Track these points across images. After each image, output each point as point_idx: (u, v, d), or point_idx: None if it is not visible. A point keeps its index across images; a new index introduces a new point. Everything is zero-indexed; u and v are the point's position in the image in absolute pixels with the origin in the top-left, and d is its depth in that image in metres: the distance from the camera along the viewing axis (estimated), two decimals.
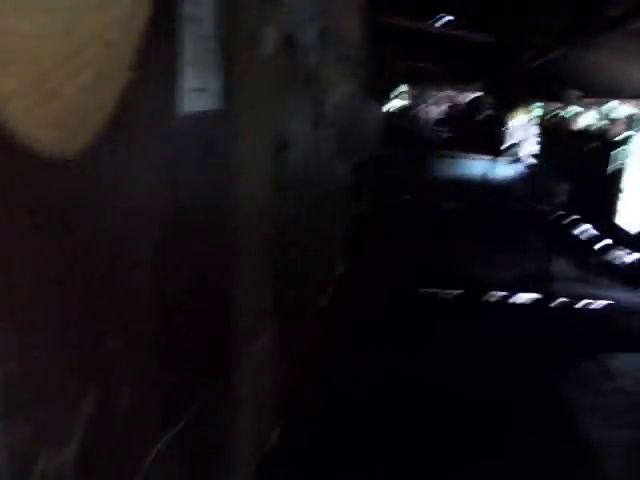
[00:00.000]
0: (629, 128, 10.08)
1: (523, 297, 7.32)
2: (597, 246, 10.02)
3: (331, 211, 6.79)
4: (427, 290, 7.34)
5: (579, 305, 7.20)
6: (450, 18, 10.34)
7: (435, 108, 37.10)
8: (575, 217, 11.67)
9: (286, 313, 4.01)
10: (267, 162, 3.28)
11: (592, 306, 7.20)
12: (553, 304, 7.18)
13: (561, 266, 8.50)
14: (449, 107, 32.56)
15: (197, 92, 2.00)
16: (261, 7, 2.90)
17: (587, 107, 12.81)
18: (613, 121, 11.27)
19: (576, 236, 10.90)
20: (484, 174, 14.61)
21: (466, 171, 17.76)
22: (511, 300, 7.28)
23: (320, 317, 5.91)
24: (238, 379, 2.83)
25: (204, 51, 2.07)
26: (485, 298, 7.27)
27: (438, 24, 10.39)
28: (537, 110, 18.31)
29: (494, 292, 7.36)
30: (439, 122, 31.38)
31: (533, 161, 17.96)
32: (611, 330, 6.59)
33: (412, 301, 7.05)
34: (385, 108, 19.85)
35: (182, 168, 1.98)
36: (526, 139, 19.77)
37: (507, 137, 21.58)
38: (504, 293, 7.36)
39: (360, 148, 10.20)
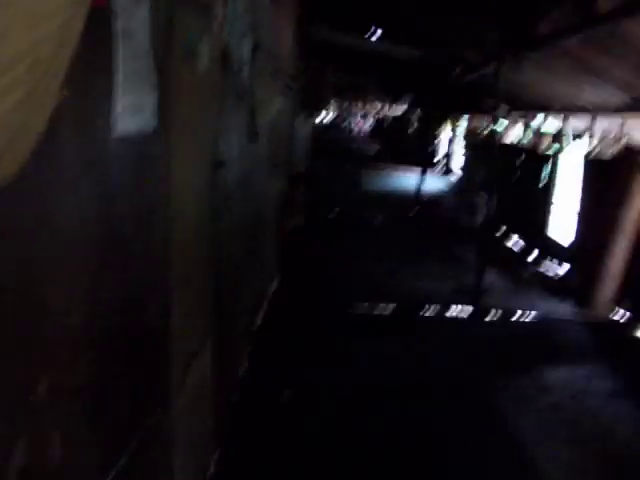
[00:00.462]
0: (557, 142, 10.32)
1: (457, 311, 7.37)
2: (528, 258, 10.22)
3: (266, 227, 6.70)
4: (360, 305, 7.29)
5: (513, 318, 7.29)
6: (380, 33, 10.42)
7: (365, 121, 37.52)
8: (505, 230, 11.90)
9: (223, 337, 3.88)
10: (203, 181, 3.16)
11: (525, 319, 7.30)
12: (486, 318, 7.25)
13: (493, 279, 8.61)
14: (378, 120, 32.94)
15: (132, 111, 1.87)
16: (196, 22, 2.78)
17: (515, 121, 13.09)
18: (541, 135, 11.54)
19: (507, 249, 11.10)
20: (415, 187, 14.74)
21: (396, 184, 17.96)
22: (445, 314, 7.31)
23: (256, 337, 5.80)
24: (175, 413, 2.69)
25: (139, 68, 1.95)
26: (419, 313, 7.27)
27: (368, 39, 10.44)
28: (463, 123, 18.68)
29: (428, 306, 7.37)
30: (369, 135, 31.73)
31: (462, 174, 18.31)
32: (545, 343, 6.67)
33: (346, 318, 6.98)
34: (317, 122, 19.90)
35: (114, 190, 1.85)
36: (453, 152, 20.15)
37: (436, 150, 21.96)
38: (437, 307, 7.39)
39: (293, 162, 10.15)
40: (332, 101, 48.25)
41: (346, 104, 48.36)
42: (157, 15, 2.13)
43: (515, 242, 11.41)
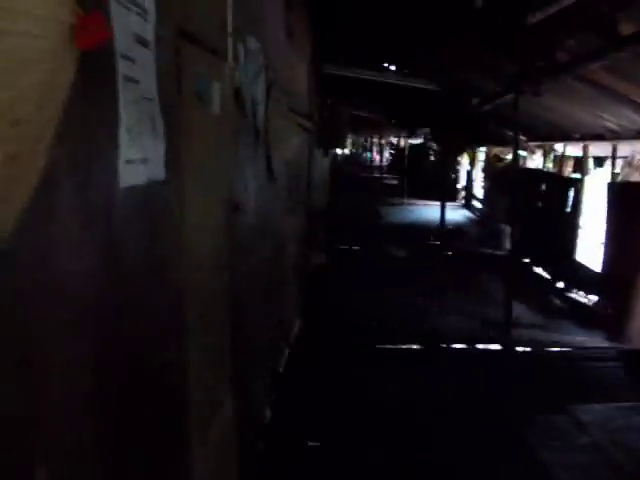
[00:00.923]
0: (578, 170, 10.18)
1: (485, 345, 7.17)
2: (556, 288, 10.00)
3: (287, 268, 6.58)
4: (387, 346, 7.11)
5: (543, 352, 7.07)
6: (395, 67, 10.39)
7: (383, 155, 37.57)
8: (526, 260, 11.68)
9: (244, 385, 3.74)
10: (220, 227, 3.05)
11: (555, 352, 7.07)
12: (516, 352, 7.04)
13: (521, 310, 8.40)
14: (396, 153, 32.95)
15: (137, 162, 1.77)
16: (206, 64, 2.70)
17: (532, 150, 12.97)
18: (558, 163, 11.41)
19: (533, 278, 10.88)
20: (436, 219, 14.58)
21: (417, 216, 17.84)
22: (474, 349, 7.11)
23: (279, 383, 5.64)
24: (196, 466, 2.54)
25: (143, 116, 1.84)
26: (447, 349, 7.08)
27: (384, 73, 10.40)
28: (482, 154, 18.59)
29: (456, 342, 7.18)
30: (387, 168, 31.71)
31: (480, 205, 18.15)
32: (578, 377, 6.43)
33: (372, 359, 6.80)
34: (335, 157, 19.91)
35: (121, 245, 1.73)
36: (472, 183, 20.02)
37: (456, 182, 21.84)
38: (466, 343, 7.19)
39: (312, 199, 10.06)
40: (350, 136, 48.60)
41: (363, 139, 48.75)
42: (163, 59, 2.04)
43: (541, 271, 11.19)
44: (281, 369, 6.10)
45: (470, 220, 18.07)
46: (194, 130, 2.42)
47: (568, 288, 9.80)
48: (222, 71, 3.11)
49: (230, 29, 3.37)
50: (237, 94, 3.55)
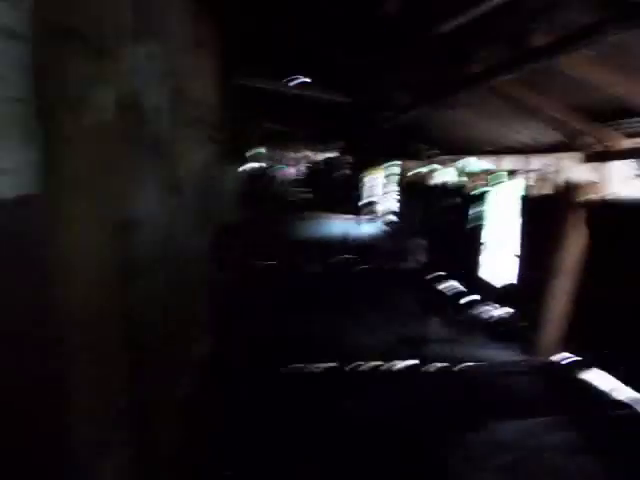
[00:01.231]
0: (489, 183, 10.26)
1: (400, 364, 7.04)
2: (464, 302, 10.03)
3: (193, 285, 6.27)
4: (296, 365, 6.87)
5: (458, 368, 7.00)
6: (305, 80, 10.23)
7: (293, 169, 37.45)
8: (439, 274, 11.72)
9: (143, 419, 3.43)
10: (106, 247, 2.75)
11: (471, 368, 7.02)
12: (432, 369, 6.94)
13: (434, 326, 8.36)
14: (307, 168, 32.85)
15: None
16: (92, 64, 2.41)
17: (444, 164, 13.07)
18: (470, 177, 11.51)
19: (445, 293, 10.90)
20: (349, 233, 14.51)
21: (329, 231, 17.75)
22: (389, 368, 6.97)
23: (183, 410, 5.32)
24: None
25: (6, 119, 1.56)
26: (358, 368, 6.91)
27: (295, 85, 10.23)
28: (395, 168, 18.69)
29: (369, 361, 7.03)
30: (298, 183, 31.60)
31: (393, 219, 18.23)
32: (494, 393, 6.37)
33: (284, 380, 6.56)
34: (244, 170, 19.64)
35: None
36: (385, 197, 20.12)
37: (366, 196, 21.92)
38: (380, 362, 7.05)
39: (223, 214, 9.77)
40: (263, 149, 48.35)
41: (277, 152, 48.57)
42: (40, 55, 1.76)
43: (452, 285, 11.23)
44: (187, 391, 5.78)
45: (385, 234, 18.09)
46: (74, 138, 2.13)
47: (481, 301, 9.85)
48: (116, 75, 2.84)
49: (127, 30, 3.11)
50: (133, 100, 3.28)
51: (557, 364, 7.21)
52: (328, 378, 6.63)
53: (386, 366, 6.99)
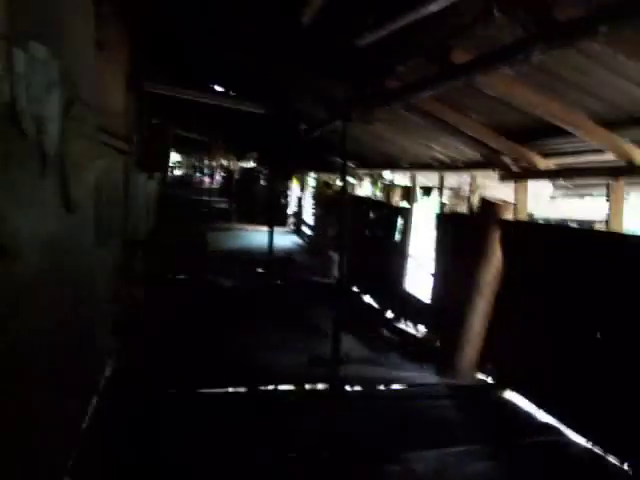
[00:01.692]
0: (406, 199, 10.15)
1: (313, 386, 6.76)
2: (381, 319, 9.86)
3: (92, 307, 5.82)
4: (206, 391, 6.49)
5: (373, 391, 6.77)
6: (222, 87, 9.90)
7: (210, 178, 36.88)
8: (356, 289, 11.54)
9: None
10: None
11: (386, 390, 6.81)
12: (346, 392, 6.68)
13: (351, 344, 8.11)
14: (227, 177, 32.38)
15: None
16: None
17: (361, 178, 12.95)
18: (387, 191, 11.40)
19: (363, 309, 10.71)
20: (265, 246, 14.14)
21: (246, 242, 17.41)
22: (301, 391, 6.68)
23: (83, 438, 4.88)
24: None
25: None
26: (271, 393, 6.60)
27: (210, 93, 9.87)
28: (312, 180, 18.53)
29: (281, 384, 6.72)
30: (218, 192, 31.11)
31: (313, 231, 18.02)
32: (411, 418, 6.13)
33: (190, 405, 6.17)
34: (162, 181, 19.08)
35: None
36: (302, 209, 19.94)
37: (286, 207, 21.68)
38: (292, 385, 6.74)
39: (132, 227, 9.28)
40: (180, 158, 47.62)
41: (194, 161, 47.87)
42: None
43: (368, 301, 11.06)
44: (86, 423, 5.33)
45: (300, 247, 17.87)
46: None
47: (397, 318, 9.69)
48: None
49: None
50: (11, 110, 2.88)
51: (475, 386, 7.08)
52: (235, 403, 6.29)
53: (297, 389, 6.69)
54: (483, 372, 7.24)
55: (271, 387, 6.67)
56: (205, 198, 27.55)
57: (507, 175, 6.76)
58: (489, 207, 6.95)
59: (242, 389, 6.56)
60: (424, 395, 6.70)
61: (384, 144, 9.14)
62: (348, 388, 6.73)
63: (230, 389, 6.54)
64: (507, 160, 6.54)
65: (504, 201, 6.90)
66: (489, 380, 7.15)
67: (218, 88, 10.08)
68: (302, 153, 13.20)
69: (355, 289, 11.58)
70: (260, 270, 13.20)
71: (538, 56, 3.45)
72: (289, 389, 6.69)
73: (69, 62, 4.22)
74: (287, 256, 15.00)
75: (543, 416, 6.17)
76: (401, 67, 5.12)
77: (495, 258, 6.91)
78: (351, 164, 12.08)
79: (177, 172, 48.95)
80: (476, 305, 7.06)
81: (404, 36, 4.22)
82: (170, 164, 41.78)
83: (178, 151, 40.59)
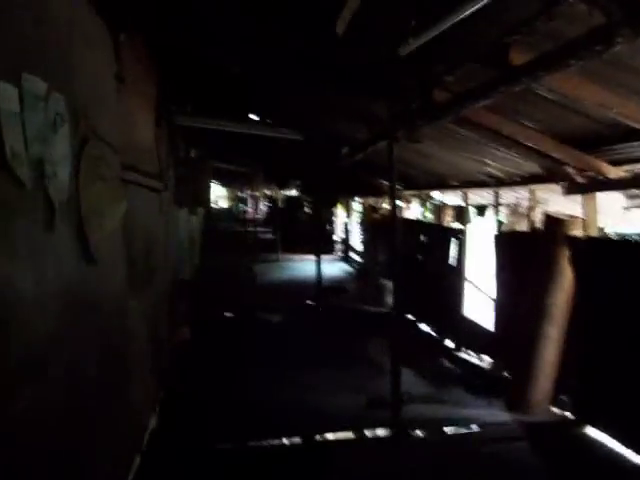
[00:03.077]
0: (458, 219, 9.53)
1: (373, 432, 6.17)
2: (440, 350, 9.21)
3: (134, 360, 5.38)
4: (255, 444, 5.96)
5: (439, 434, 6.14)
6: (258, 117, 9.47)
7: (258, 208, 36.70)
8: (411, 318, 10.92)
9: None
10: None
11: (454, 433, 6.17)
12: (409, 437, 6.08)
13: (410, 380, 7.51)
14: (269, 208, 32.15)
15: None
16: None
17: (409, 200, 12.38)
18: (437, 213, 10.81)
19: (420, 338, 10.07)
20: (313, 276, 13.61)
21: (294, 273, 16.98)
22: (360, 438, 6.09)
23: None
24: None
25: None
26: (326, 443, 6.03)
27: (247, 123, 9.45)
28: (357, 205, 18.02)
29: (337, 432, 6.15)
30: (262, 222, 30.86)
31: (363, 257, 17.48)
32: (481, 467, 5.45)
33: (240, 457, 5.66)
34: (199, 216, 18.81)
35: None
36: (349, 236, 19.43)
37: (332, 234, 21.21)
38: (350, 432, 6.16)
39: (173, 266, 8.88)
40: (223, 190, 47.67)
41: (237, 192, 47.86)
42: None
43: (427, 331, 10.41)
44: None
45: (349, 274, 17.32)
46: None
47: (458, 348, 9.03)
48: None
49: None
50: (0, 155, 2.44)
51: (551, 423, 6.37)
52: (290, 457, 5.74)
53: (356, 437, 6.10)
54: (558, 405, 6.55)
55: (328, 435, 6.10)
56: (250, 229, 27.27)
57: (573, 188, 6.09)
58: (554, 224, 6.31)
59: (296, 439, 6.00)
60: (497, 437, 6.04)
61: (432, 162, 8.56)
62: (412, 433, 6.11)
63: (284, 439, 5.99)
64: (571, 171, 5.88)
65: (571, 216, 6.25)
66: (565, 414, 6.44)
67: (253, 117, 9.66)
68: (345, 178, 12.70)
69: (410, 317, 10.95)
70: (309, 302, 12.67)
71: (619, 45, 2.88)
72: (348, 437, 6.10)
73: (81, 96, 3.79)
74: (336, 285, 14.46)
75: (634, 457, 5.44)
76: (449, 77, 4.56)
77: (565, 280, 6.24)
78: (398, 186, 11.53)
79: (221, 205, 49.02)
80: (547, 332, 6.39)
81: (452, 39, 3.68)
82: (213, 197, 41.87)
83: (221, 184, 40.59)
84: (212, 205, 41.07)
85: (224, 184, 40.99)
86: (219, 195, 47.94)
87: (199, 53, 6.70)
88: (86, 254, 3.72)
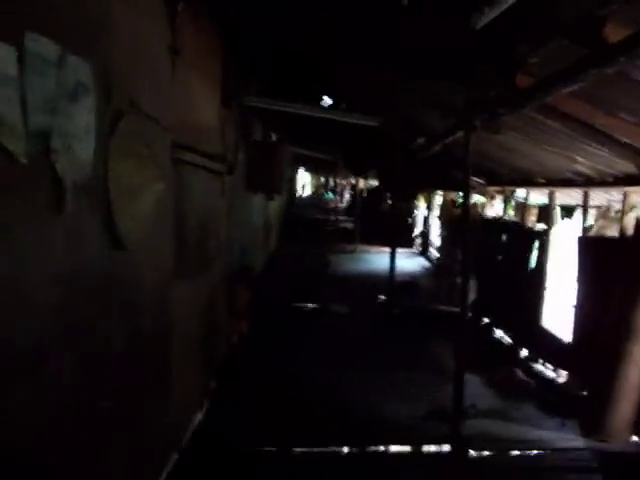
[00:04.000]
0: (543, 219, 8.82)
1: (431, 449, 5.67)
2: (518, 358, 8.57)
3: (180, 349, 5.09)
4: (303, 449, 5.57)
5: (504, 456, 5.58)
6: (330, 101, 9.02)
7: (339, 198, 36.36)
8: (486, 321, 10.29)
9: None
10: None
11: (518, 459, 5.57)
12: (471, 456, 5.54)
13: (477, 391, 6.97)
14: (352, 197, 31.74)
15: None
16: None
17: (491, 196, 11.69)
18: (520, 211, 10.12)
19: (492, 345, 9.44)
20: (386, 270, 13.10)
21: (370, 266, 16.54)
22: (417, 453, 5.61)
23: None
24: None
25: None
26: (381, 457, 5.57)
27: (317, 108, 9.01)
28: (437, 199, 17.38)
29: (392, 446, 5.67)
30: (345, 212, 30.54)
31: (439, 254, 16.88)
32: None
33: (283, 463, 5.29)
34: (279, 202, 18.59)
35: None
36: (431, 230, 18.82)
37: (412, 228, 20.65)
38: (405, 446, 5.68)
39: (234, 253, 8.59)
40: (310, 177, 47.59)
41: (322, 180, 47.69)
42: None
43: (500, 337, 9.76)
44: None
45: (426, 270, 16.69)
46: None
47: (533, 358, 8.36)
48: None
49: None
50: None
51: (631, 454, 5.69)
52: (337, 467, 5.33)
53: (411, 452, 5.62)
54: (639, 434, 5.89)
55: (380, 447, 5.64)
56: (332, 218, 26.96)
57: None
58: None
59: (346, 449, 5.57)
60: (568, 465, 5.43)
61: (515, 157, 7.90)
62: (473, 453, 5.57)
63: (333, 448, 5.58)
64: None
65: None
66: None
67: (328, 100, 9.21)
68: (425, 170, 12.10)
69: (485, 320, 10.32)
70: (381, 297, 12.18)
71: None
72: (402, 451, 5.62)
73: (120, 66, 3.46)
74: (410, 281, 13.90)
75: None
76: (533, 57, 3.98)
77: None
78: (479, 180, 10.88)
79: (307, 191, 48.94)
80: (633, 352, 5.72)
81: (535, 10, 3.14)
82: (298, 184, 41.82)
83: (307, 170, 40.50)
84: (298, 191, 41.09)
85: (311, 171, 40.95)
86: (305, 182, 47.89)
87: (270, 29, 6.29)
88: (114, 239, 3.40)
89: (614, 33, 3.11)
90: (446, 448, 5.62)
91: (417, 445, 5.69)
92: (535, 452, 5.64)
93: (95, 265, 3.14)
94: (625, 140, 4.98)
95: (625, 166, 5.81)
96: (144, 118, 3.96)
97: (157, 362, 4.58)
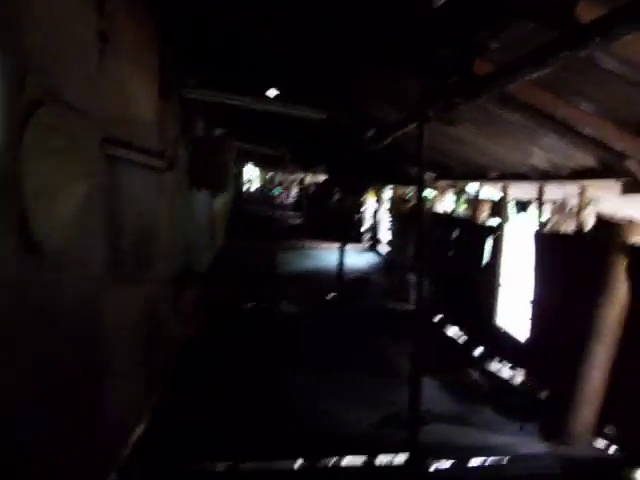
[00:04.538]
0: (496, 214, 8.62)
1: (386, 459, 5.37)
2: (472, 357, 8.35)
3: (114, 358, 4.68)
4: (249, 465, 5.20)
5: (462, 465, 5.30)
6: (275, 92, 8.65)
7: (286, 194, 36.00)
8: (442, 318, 10.08)
9: None
10: None
11: (478, 470, 5.31)
12: (428, 466, 5.26)
13: (432, 394, 6.70)
14: (301, 191, 31.43)
15: None
16: None
17: (443, 190, 11.49)
18: (473, 206, 9.90)
19: (446, 344, 9.21)
20: (336, 266, 12.82)
21: (318, 262, 16.25)
22: (371, 465, 5.30)
23: None
24: None
25: None
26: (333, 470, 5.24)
27: (261, 100, 8.63)
28: (388, 194, 17.17)
29: (345, 457, 5.35)
30: (292, 208, 30.25)
31: (389, 249, 16.67)
32: None
33: None
34: (225, 199, 18.14)
35: None
36: (381, 225, 18.61)
37: (360, 223, 20.43)
38: (359, 456, 5.36)
39: (178, 254, 8.17)
40: (257, 172, 46.97)
41: (270, 175, 47.14)
42: None
43: (456, 335, 9.54)
44: None
45: (376, 266, 16.44)
46: None
47: (489, 356, 8.14)
48: None
49: None
50: None
51: (595, 459, 5.46)
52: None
53: (365, 464, 5.30)
54: (601, 437, 5.67)
55: (333, 459, 5.30)
56: (279, 214, 26.59)
57: (633, 185, 5.16)
58: (609, 228, 5.42)
59: (297, 462, 5.22)
60: (529, 472, 5.17)
61: (469, 150, 7.66)
62: (431, 462, 5.27)
63: (283, 462, 5.22)
64: (633, 166, 4.96)
65: (630, 220, 5.36)
66: (610, 449, 5.56)
67: (273, 92, 8.85)
68: (375, 164, 11.83)
69: (436, 319, 10.10)
70: (330, 294, 11.89)
71: None
72: (355, 464, 5.29)
73: (35, 51, 3.05)
74: (361, 277, 13.63)
75: None
76: (495, 42, 3.69)
77: (618, 293, 5.36)
78: (430, 174, 10.64)
79: (254, 187, 48.31)
80: (595, 353, 5.51)
81: None
82: (245, 179, 41.21)
83: (255, 165, 39.94)
84: (245, 186, 40.52)
85: (258, 166, 40.38)
86: (252, 177, 47.20)
87: (208, 16, 5.91)
88: (29, 244, 2.99)
89: (587, 12, 2.82)
90: (402, 458, 5.31)
91: (372, 456, 5.36)
92: (495, 459, 5.37)
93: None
94: (587, 131, 4.73)
95: (584, 159, 5.59)
96: (66, 110, 3.54)
97: (87, 377, 4.16)
